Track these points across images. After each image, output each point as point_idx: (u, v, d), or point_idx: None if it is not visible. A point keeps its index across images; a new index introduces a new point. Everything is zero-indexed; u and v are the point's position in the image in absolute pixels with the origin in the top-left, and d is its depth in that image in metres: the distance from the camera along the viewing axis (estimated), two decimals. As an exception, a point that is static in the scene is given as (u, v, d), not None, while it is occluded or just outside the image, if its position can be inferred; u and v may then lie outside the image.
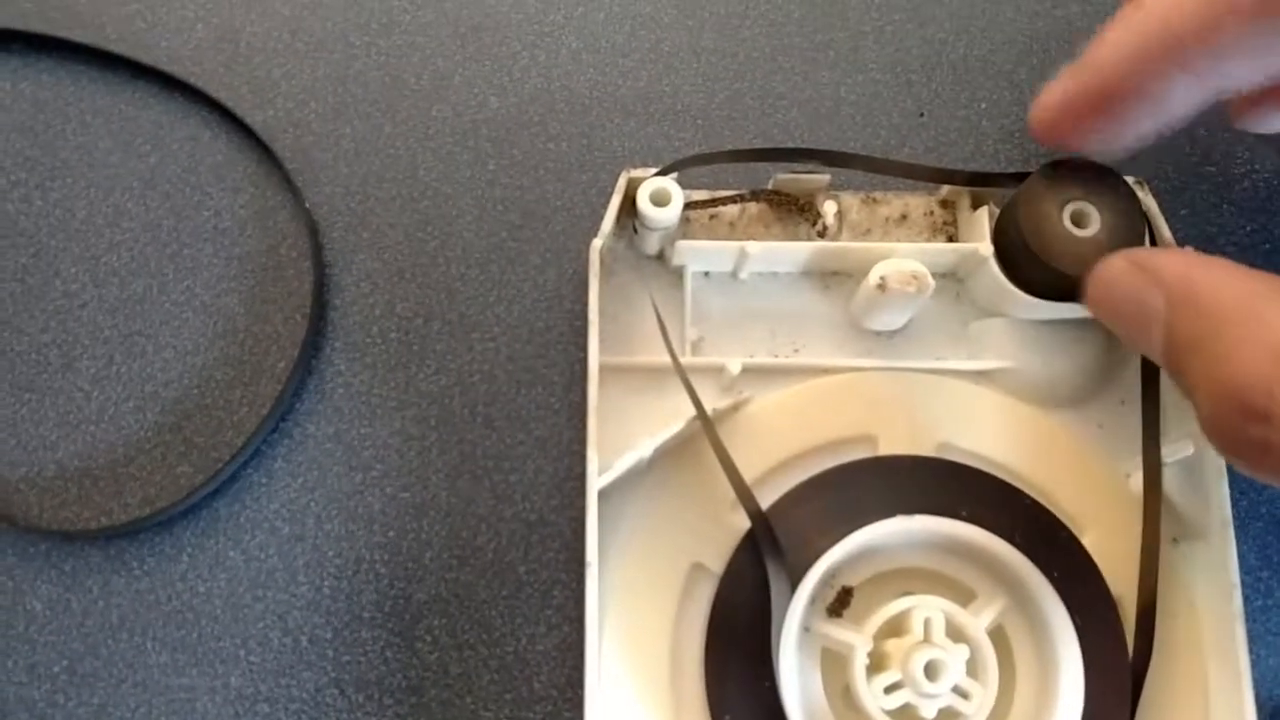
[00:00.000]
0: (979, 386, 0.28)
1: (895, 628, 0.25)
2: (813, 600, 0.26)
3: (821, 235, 0.29)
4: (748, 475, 0.26)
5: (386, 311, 0.31)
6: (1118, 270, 0.23)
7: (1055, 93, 0.25)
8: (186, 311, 0.31)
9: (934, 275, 0.27)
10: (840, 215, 0.29)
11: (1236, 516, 0.27)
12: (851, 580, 0.26)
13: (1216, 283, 0.21)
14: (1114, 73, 0.23)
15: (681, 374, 0.26)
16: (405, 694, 0.28)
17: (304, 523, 0.29)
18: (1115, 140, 0.25)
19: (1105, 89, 0.24)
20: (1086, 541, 0.26)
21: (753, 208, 0.29)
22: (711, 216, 0.29)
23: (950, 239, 0.29)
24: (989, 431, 0.28)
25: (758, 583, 0.25)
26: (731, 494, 0.26)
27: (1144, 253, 0.23)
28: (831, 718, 0.25)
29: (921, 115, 0.33)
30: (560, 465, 0.29)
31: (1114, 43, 0.23)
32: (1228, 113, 0.29)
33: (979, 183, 0.28)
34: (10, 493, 0.29)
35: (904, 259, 0.27)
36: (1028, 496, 0.27)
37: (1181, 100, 0.23)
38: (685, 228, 0.29)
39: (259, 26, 0.33)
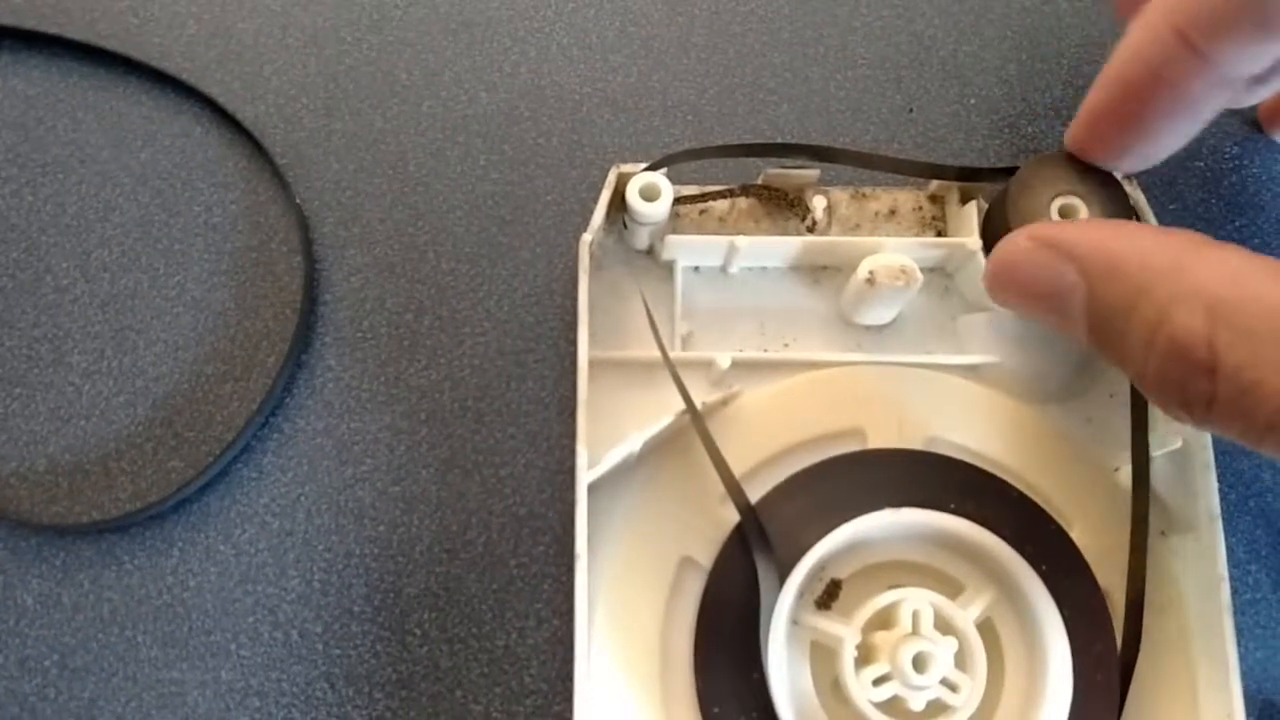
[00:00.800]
0: (967, 381, 0.28)
1: (884, 620, 0.25)
2: (801, 593, 0.26)
3: (811, 230, 0.29)
4: (737, 469, 0.26)
5: (377, 306, 0.31)
6: (1022, 250, 0.23)
7: (1086, 109, 0.25)
8: (177, 306, 0.31)
9: (922, 270, 0.27)
10: (829, 210, 0.29)
11: (1225, 510, 0.27)
12: (840, 573, 0.26)
13: (1136, 245, 0.21)
14: (1132, 77, 0.23)
15: (671, 368, 0.26)
16: (395, 687, 0.28)
17: (294, 517, 0.29)
18: (1149, 146, 0.25)
19: (1127, 95, 0.24)
20: (1075, 534, 0.26)
21: (742, 203, 0.29)
22: (701, 211, 0.29)
23: (939, 233, 0.29)
24: (977, 425, 0.28)
25: (747, 576, 0.25)
26: (721, 488, 0.26)
27: (1046, 228, 0.23)
28: (820, 710, 0.25)
29: (911, 111, 0.33)
30: (550, 459, 0.29)
31: (1125, 49, 0.24)
32: (1264, 124, 0.29)
33: (968, 178, 0.28)
34: (1, 487, 0.29)
35: (893, 253, 0.27)
36: (1016, 490, 0.27)
37: (1202, 92, 0.23)
38: (675, 222, 0.29)
39: (250, 23, 0.33)
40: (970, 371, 0.28)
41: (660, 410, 0.27)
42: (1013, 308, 0.24)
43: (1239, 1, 0.21)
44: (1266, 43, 0.22)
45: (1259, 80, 0.26)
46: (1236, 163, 0.33)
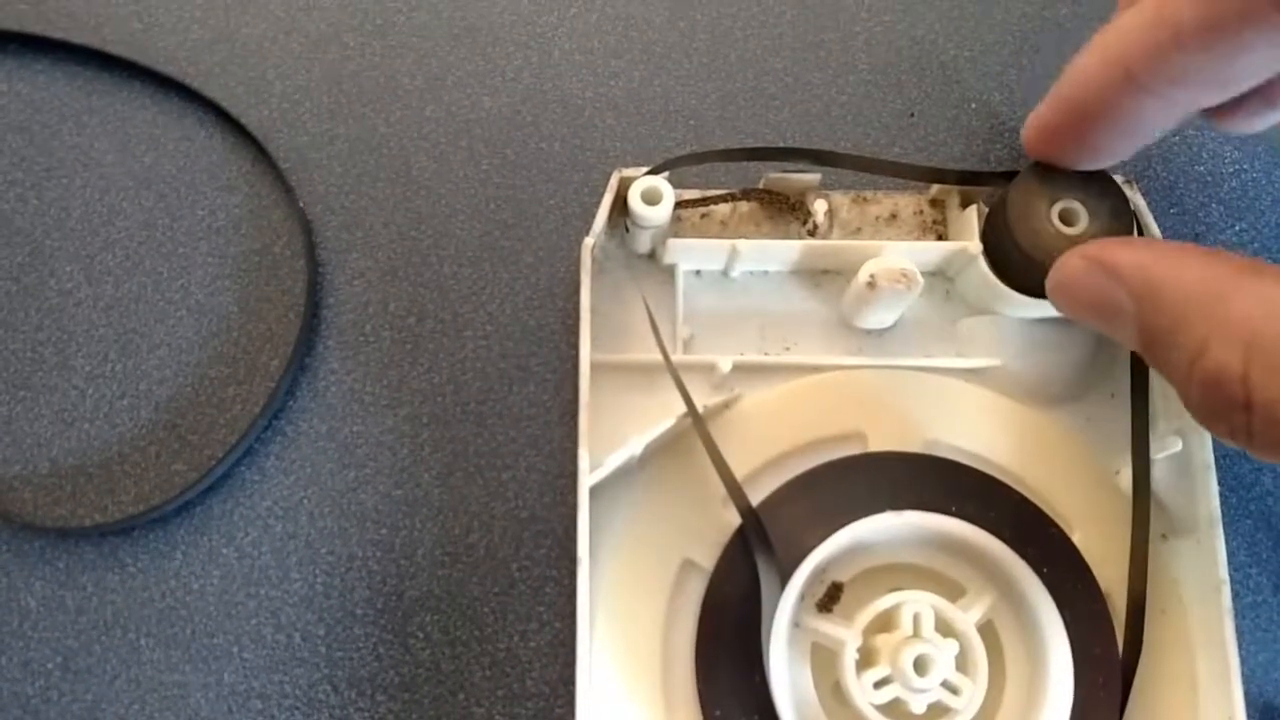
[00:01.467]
0: (968, 384, 0.28)
1: (885, 623, 0.25)
2: (803, 596, 0.26)
3: (812, 234, 0.29)
4: (738, 472, 0.26)
5: (379, 310, 0.31)
6: (1076, 271, 0.23)
7: (1037, 119, 0.25)
8: (181, 310, 0.31)
9: (923, 273, 0.27)
10: (830, 214, 0.29)
11: (1226, 514, 0.27)
12: (841, 576, 0.26)
13: (1175, 272, 0.21)
14: (1083, 100, 0.24)
15: (673, 371, 0.26)
16: (398, 690, 0.28)
17: (297, 520, 0.29)
18: (1099, 159, 0.25)
19: (1077, 114, 0.24)
20: (1076, 538, 0.26)
21: (744, 206, 0.29)
22: (703, 215, 0.29)
23: (940, 237, 0.30)
24: (978, 428, 0.28)
25: (748, 579, 0.26)
26: (722, 491, 0.26)
27: (1099, 248, 0.23)
28: (821, 713, 0.25)
29: (911, 115, 0.33)
30: (552, 462, 0.30)
31: (1081, 71, 0.24)
32: (1210, 119, 0.29)
33: (968, 181, 0.29)
34: (5, 490, 0.29)
35: (893, 257, 0.27)
36: (1017, 493, 0.27)
37: (1152, 120, 0.23)
38: (676, 226, 0.29)
39: (254, 27, 0.34)
40: (971, 375, 0.28)
41: (662, 413, 0.27)
42: (1079, 322, 0.24)
43: (1200, 62, 0.21)
44: (1224, 92, 0.22)
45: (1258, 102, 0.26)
46: (1237, 167, 0.33)
